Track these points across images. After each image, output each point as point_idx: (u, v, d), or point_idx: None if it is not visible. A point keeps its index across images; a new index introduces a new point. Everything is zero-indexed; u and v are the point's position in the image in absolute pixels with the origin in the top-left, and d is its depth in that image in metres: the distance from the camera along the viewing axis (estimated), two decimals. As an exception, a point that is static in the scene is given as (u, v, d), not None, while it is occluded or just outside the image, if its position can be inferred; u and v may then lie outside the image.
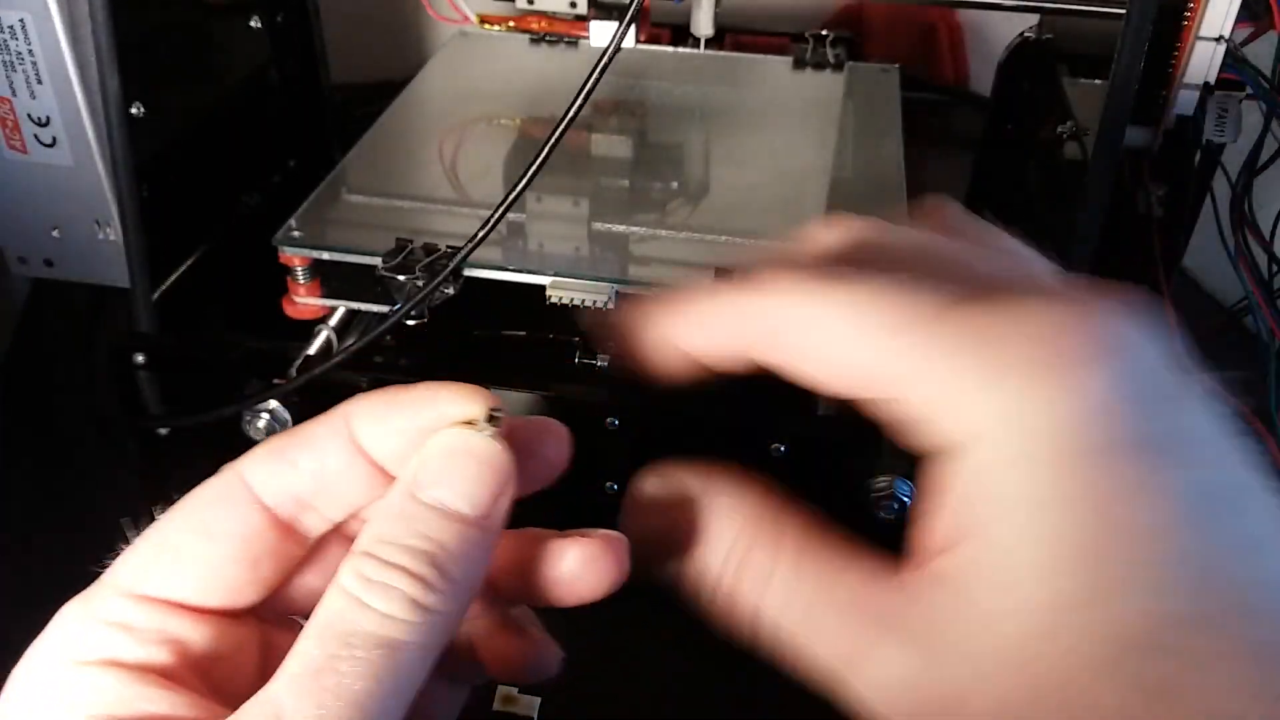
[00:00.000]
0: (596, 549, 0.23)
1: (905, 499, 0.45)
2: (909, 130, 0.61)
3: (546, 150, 0.37)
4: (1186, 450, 0.20)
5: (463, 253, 0.40)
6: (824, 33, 0.69)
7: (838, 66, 0.68)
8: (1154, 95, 0.44)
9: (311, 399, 0.48)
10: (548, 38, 0.67)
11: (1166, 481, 0.19)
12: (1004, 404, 0.20)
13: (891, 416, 0.22)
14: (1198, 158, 0.46)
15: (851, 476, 0.46)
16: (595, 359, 0.48)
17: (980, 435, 0.20)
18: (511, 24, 0.55)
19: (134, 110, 0.47)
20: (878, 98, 0.65)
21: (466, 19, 0.56)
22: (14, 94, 0.47)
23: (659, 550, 0.25)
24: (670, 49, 0.69)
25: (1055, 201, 0.53)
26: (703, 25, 0.54)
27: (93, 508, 0.50)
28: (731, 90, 0.67)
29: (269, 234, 0.49)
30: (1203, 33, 0.42)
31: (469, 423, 0.22)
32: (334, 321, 0.51)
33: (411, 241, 0.47)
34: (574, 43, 0.67)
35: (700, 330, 0.26)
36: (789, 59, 0.69)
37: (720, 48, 0.73)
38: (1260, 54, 0.43)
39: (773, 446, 0.45)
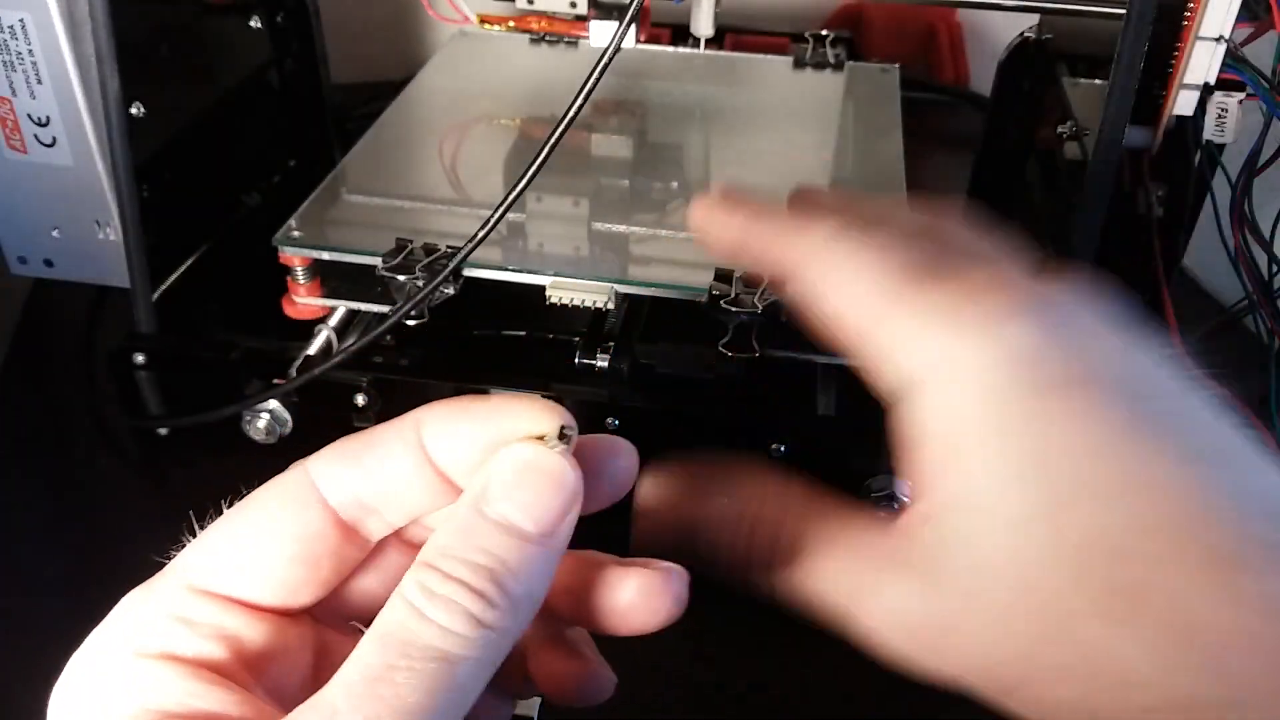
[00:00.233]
0: (656, 582, 0.23)
1: (905, 499, 0.45)
2: (909, 130, 0.61)
3: (546, 150, 0.37)
4: (1126, 386, 0.21)
5: (463, 253, 0.41)
6: (824, 33, 0.69)
7: (838, 66, 0.68)
8: (1154, 95, 0.44)
9: (311, 399, 0.48)
10: (548, 38, 0.67)
11: (1103, 410, 0.21)
12: (946, 346, 0.23)
13: (867, 362, 0.25)
14: (1198, 158, 0.46)
15: (851, 476, 0.46)
16: (595, 359, 0.48)
17: (926, 375, 0.23)
18: (511, 24, 0.55)
19: (134, 110, 0.47)
20: (878, 98, 0.65)
21: (466, 19, 0.56)
22: (14, 94, 0.47)
23: (677, 540, 0.25)
24: (670, 49, 0.69)
25: (1055, 201, 0.53)
26: (703, 25, 0.54)
27: (93, 508, 0.50)
28: (731, 90, 0.67)
29: (269, 234, 0.49)
30: (1203, 33, 0.42)
31: (540, 438, 0.22)
32: (334, 321, 0.51)
33: (411, 241, 0.47)
34: (574, 43, 0.67)
35: (744, 233, 0.29)
36: (789, 59, 0.69)
37: (720, 48, 0.73)
38: (1260, 54, 0.43)
39: (773, 446, 0.46)
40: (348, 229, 0.51)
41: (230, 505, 0.23)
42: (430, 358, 0.50)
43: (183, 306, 0.52)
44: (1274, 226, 0.44)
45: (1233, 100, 0.43)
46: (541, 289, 0.47)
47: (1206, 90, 0.43)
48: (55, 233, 0.51)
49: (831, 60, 0.68)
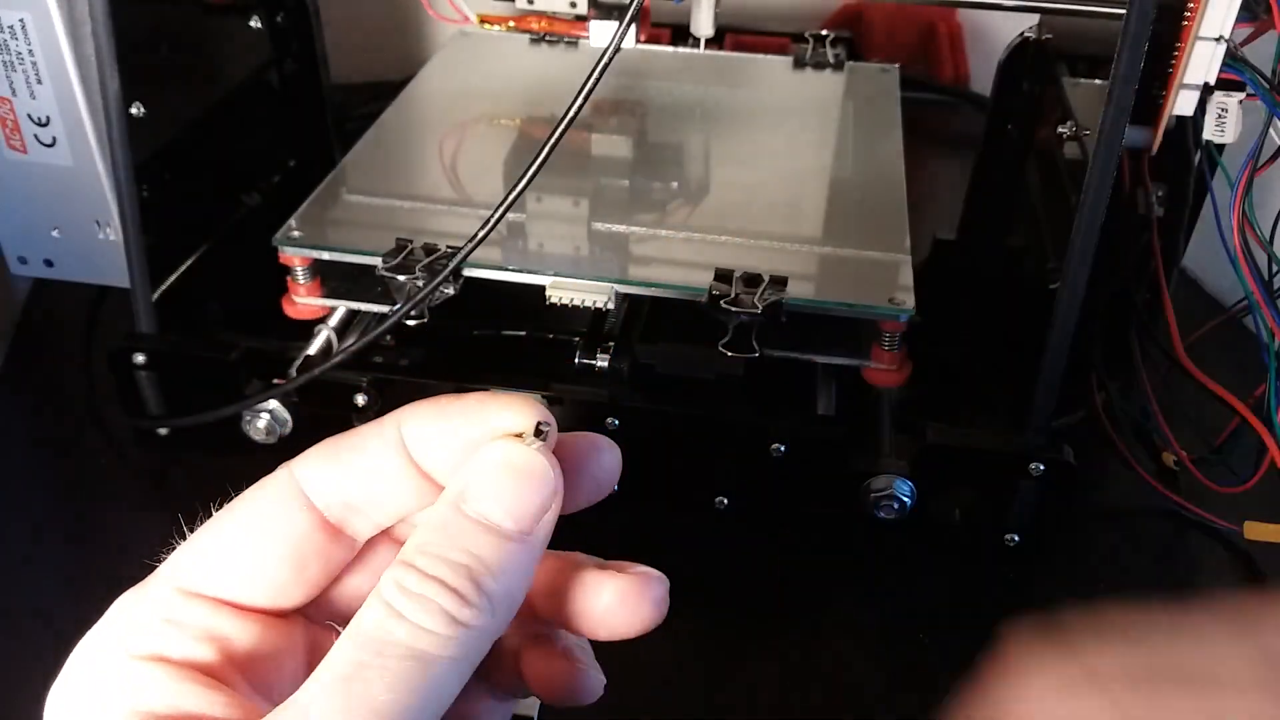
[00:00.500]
0: (634, 587, 0.23)
1: (905, 499, 0.45)
2: (909, 130, 0.61)
3: (546, 150, 0.37)
4: None
5: (463, 253, 0.40)
6: (824, 33, 0.69)
7: (838, 66, 0.68)
8: (1154, 95, 0.44)
9: (311, 399, 0.48)
10: (548, 38, 0.67)
11: None
12: None
13: None
14: (1198, 158, 0.46)
15: (851, 476, 0.46)
16: (595, 359, 0.48)
17: None
18: (511, 24, 0.55)
19: (134, 110, 0.47)
20: (878, 98, 0.65)
21: (466, 19, 0.56)
22: (14, 94, 0.47)
23: None
24: (670, 49, 0.69)
25: (1055, 201, 0.53)
26: (703, 25, 0.54)
27: (93, 508, 0.50)
28: (731, 90, 0.67)
29: (269, 234, 0.49)
30: (1203, 33, 0.41)
31: (519, 435, 0.21)
32: (334, 321, 0.51)
33: (411, 241, 0.47)
34: (574, 43, 0.67)
35: None
36: (789, 59, 0.69)
37: (720, 48, 0.73)
38: (1260, 54, 0.43)
39: (773, 446, 0.46)
40: (348, 229, 0.51)
41: (220, 507, 0.23)
42: (430, 358, 0.50)
43: (183, 306, 0.51)
44: (1274, 226, 0.44)
45: (1233, 100, 0.43)
46: (541, 289, 0.47)
47: (1206, 90, 0.43)
48: (55, 233, 0.51)
49: (831, 60, 0.68)
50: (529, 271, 0.47)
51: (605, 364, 0.48)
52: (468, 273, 0.47)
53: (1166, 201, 0.47)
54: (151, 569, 0.22)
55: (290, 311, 0.50)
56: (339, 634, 0.20)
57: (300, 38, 0.61)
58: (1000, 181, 0.61)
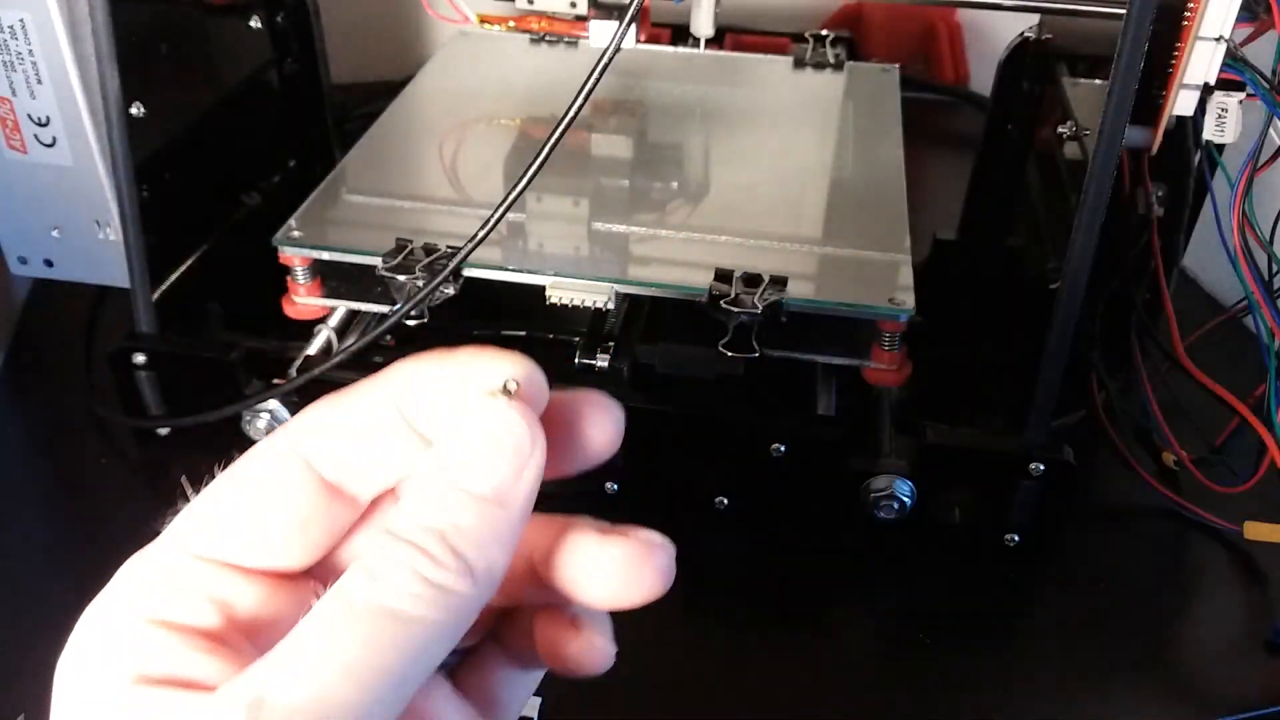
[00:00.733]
0: (636, 553, 0.22)
1: (905, 499, 0.45)
2: (909, 130, 0.61)
3: (546, 150, 0.37)
4: None
5: (463, 253, 0.40)
6: (824, 33, 0.69)
7: (838, 66, 0.68)
8: (1154, 95, 0.44)
9: (311, 399, 0.48)
10: (548, 38, 0.67)
11: None
12: None
13: None
14: (1198, 158, 0.46)
15: (851, 476, 0.46)
16: (595, 359, 0.48)
17: None
18: (511, 24, 0.55)
19: (134, 110, 0.47)
20: (878, 98, 0.65)
21: (466, 19, 0.56)
22: (14, 94, 0.47)
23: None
24: (670, 49, 0.69)
25: (1055, 201, 0.53)
26: (703, 25, 0.54)
27: (93, 508, 0.50)
28: (731, 90, 0.67)
29: (269, 234, 0.49)
30: (1203, 33, 0.41)
31: (495, 393, 0.21)
32: (334, 321, 0.51)
33: (411, 241, 0.47)
34: (574, 43, 0.67)
35: None
36: (789, 59, 0.69)
37: (720, 48, 0.73)
38: (1260, 54, 0.43)
39: (773, 446, 0.46)
40: (348, 229, 0.51)
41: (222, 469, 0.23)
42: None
43: (183, 306, 0.51)
44: (1274, 226, 0.44)
45: (1233, 100, 0.43)
46: (541, 289, 0.47)
47: (1206, 90, 0.43)
48: (55, 233, 0.51)
49: (831, 60, 0.68)
50: (529, 271, 0.47)
51: (605, 364, 0.48)
52: (468, 273, 0.47)
53: (1166, 201, 0.47)
54: (156, 535, 0.22)
55: (290, 311, 0.50)
56: None
57: (300, 38, 0.61)
58: (1000, 181, 0.61)
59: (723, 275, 0.46)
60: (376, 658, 0.19)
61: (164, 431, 0.51)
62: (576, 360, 0.48)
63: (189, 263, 0.53)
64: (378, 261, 0.46)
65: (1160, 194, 0.47)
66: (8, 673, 0.42)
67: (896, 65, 0.69)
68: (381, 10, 0.86)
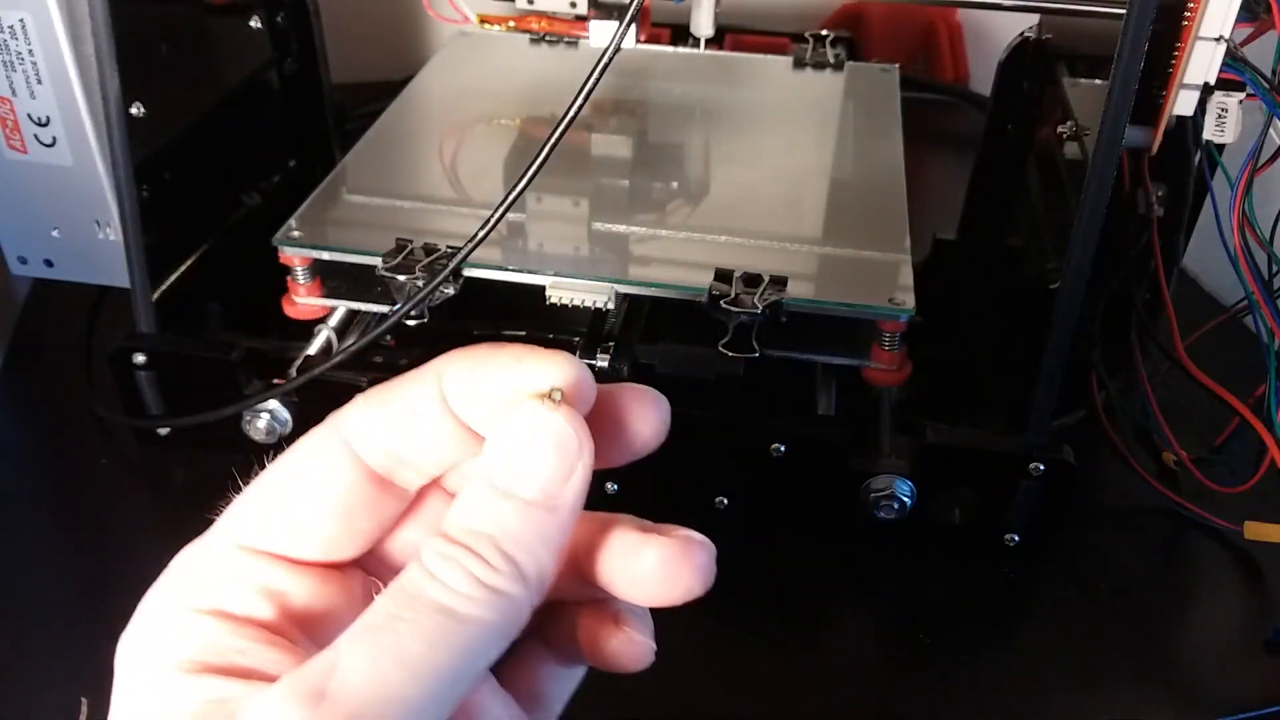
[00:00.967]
0: (675, 552, 0.22)
1: (905, 499, 0.45)
2: (909, 130, 0.61)
3: (546, 150, 0.37)
4: None
5: (463, 253, 0.40)
6: (824, 33, 0.69)
7: (838, 66, 0.68)
8: (1154, 95, 0.44)
9: (311, 399, 0.48)
10: (548, 38, 0.67)
11: None
12: None
13: None
14: (1198, 158, 0.46)
15: (851, 476, 0.46)
16: (595, 359, 0.48)
17: None
18: (511, 24, 0.55)
19: (134, 110, 0.47)
20: (878, 98, 0.65)
21: (466, 19, 0.56)
22: (14, 94, 0.47)
23: None
24: (670, 49, 0.69)
25: (1055, 201, 0.53)
26: (703, 25, 0.54)
27: (93, 508, 0.50)
28: (731, 90, 0.67)
29: (269, 234, 0.49)
30: (1203, 33, 0.41)
31: (545, 394, 0.21)
32: (334, 321, 0.51)
33: (411, 241, 0.47)
34: (574, 43, 0.67)
35: None
36: (789, 59, 0.69)
37: (720, 48, 0.73)
38: (1260, 54, 0.43)
39: (773, 446, 0.46)
40: (348, 229, 0.51)
41: (221, 509, 0.23)
42: (430, 358, 0.50)
43: (183, 306, 0.51)
44: (1274, 226, 0.44)
45: (1233, 100, 0.43)
46: (541, 289, 0.47)
47: (1206, 90, 0.43)
48: (55, 233, 0.51)
49: (831, 60, 0.68)
50: (529, 271, 0.47)
51: (605, 364, 0.48)
52: (468, 273, 0.47)
53: (1166, 201, 0.47)
54: (157, 567, 0.22)
55: (290, 311, 0.50)
56: None
57: (300, 38, 0.61)
58: (1000, 181, 0.61)
59: (723, 275, 0.46)
60: (434, 655, 0.19)
61: (164, 431, 0.51)
62: (576, 360, 0.48)
63: (189, 263, 0.53)
64: (378, 261, 0.46)
65: (1160, 194, 0.47)
66: (7, 673, 0.42)
67: (896, 65, 0.69)
68: (381, 10, 0.86)
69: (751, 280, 0.45)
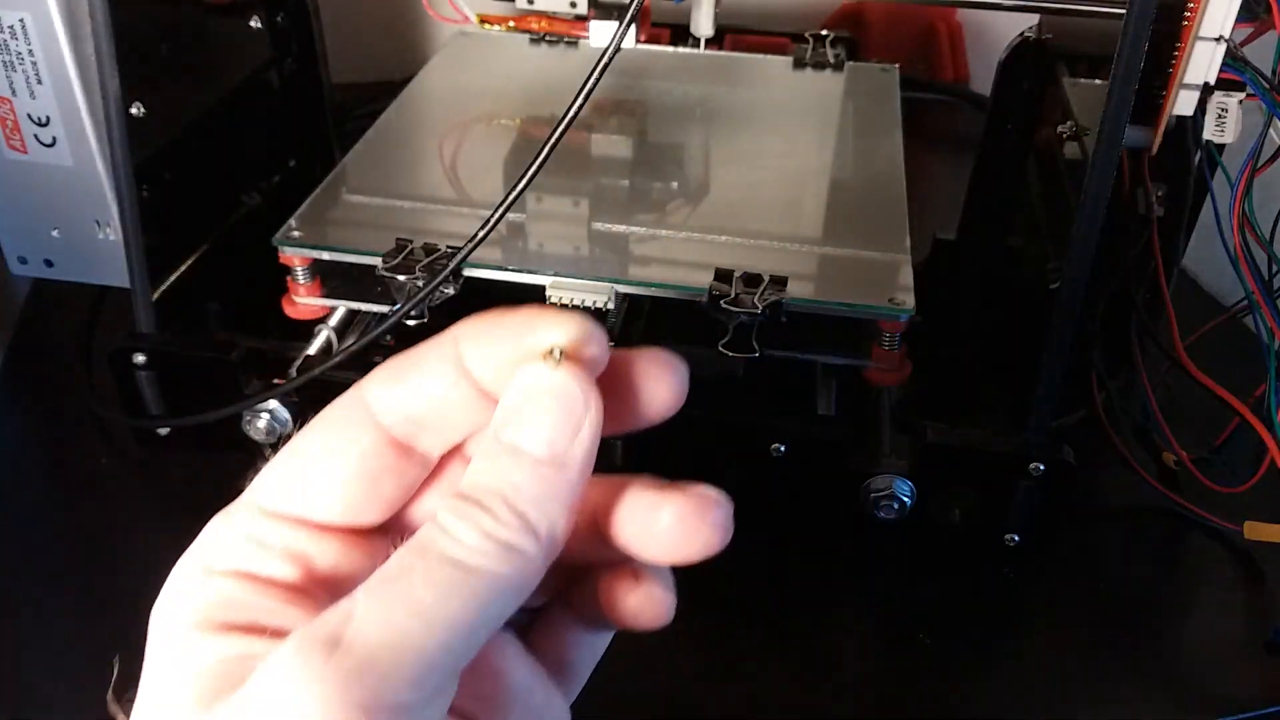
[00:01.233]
0: (692, 508, 0.22)
1: (905, 499, 0.45)
2: (909, 130, 0.61)
3: (546, 150, 0.37)
4: None
5: (463, 253, 0.40)
6: (824, 33, 0.69)
7: (838, 66, 0.68)
8: (1154, 95, 0.44)
9: (311, 399, 0.48)
10: (548, 38, 0.67)
11: None
12: None
13: None
14: (1198, 158, 0.46)
15: (851, 476, 0.46)
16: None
17: None
18: (511, 24, 0.55)
19: (134, 110, 0.47)
20: (878, 98, 0.65)
21: (466, 19, 0.56)
22: (14, 94, 0.47)
23: None
24: (670, 49, 0.69)
25: (1055, 201, 0.53)
26: (703, 25, 0.54)
27: (93, 508, 0.50)
28: (731, 90, 0.67)
29: (269, 234, 0.49)
30: (1203, 33, 0.41)
31: (546, 356, 0.21)
32: (334, 321, 0.51)
33: (411, 241, 0.47)
34: (574, 43, 0.67)
35: None
36: (789, 59, 0.69)
37: (720, 48, 0.73)
38: (1260, 54, 0.43)
39: (773, 446, 0.46)
40: (348, 229, 0.51)
41: (220, 508, 0.23)
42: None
43: (183, 306, 0.51)
44: (1274, 226, 0.44)
45: (1233, 100, 0.43)
46: (541, 289, 0.47)
47: (1206, 90, 0.43)
48: (55, 233, 0.51)
49: (831, 60, 0.68)
50: (529, 271, 0.47)
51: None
52: (468, 273, 0.47)
53: (1166, 201, 0.47)
54: (157, 568, 0.23)
55: (290, 311, 0.50)
56: None
57: (300, 38, 0.61)
58: (1000, 181, 0.61)
59: (723, 275, 0.46)
60: (447, 607, 0.19)
61: (164, 431, 0.51)
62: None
63: (189, 263, 0.53)
64: (378, 261, 0.46)
65: (1160, 194, 0.47)
66: (8, 671, 0.42)
67: (896, 65, 0.69)
68: (381, 10, 0.86)
69: (751, 280, 0.45)
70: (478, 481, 0.21)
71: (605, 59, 0.36)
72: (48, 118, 0.48)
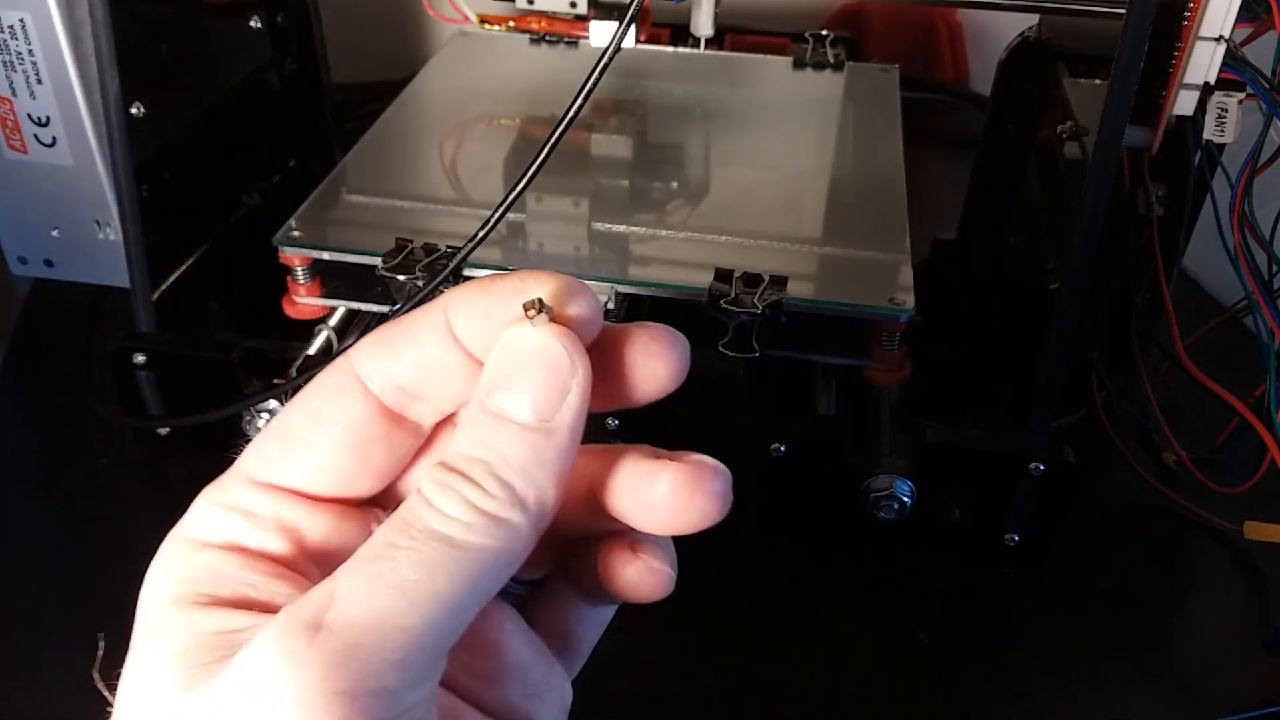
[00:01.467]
0: (688, 477, 0.22)
1: (905, 499, 0.45)
2: (909, 130, 0.61)
3: (546, 150, 0.37)
4: None
5: (463, 253, 0.40)
6: (824, 33, 0.69)
7: (838, 66, 0.68)
8: (1154, 95, 0.44)
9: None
10: (548, 38, 0.67)
11: None
12: None
13: None
14: (1198, 158, 0.46)
15: (851, 476, 0.46)
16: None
17: None
18: (511, 24, 0.55)
19: (134, 110, 0.47)
20: (878, 98, 0.65)
21: (466, 19, 0.56)
22: (14, 94, 0.47)
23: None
24: (670, 49, 0.69)
25: (1055, 201, 0.53)
26: (703, 25, 0.54)
27: (93, 508, 0.50)
28: (731, 90, 0.67)
29: (269, 234, 0.49)
30: (1203, 33, 0.42)
31: (528, 316, 0.20)
32: (334, 321, 0.51)
33: (411, 241, 0.47)
34: (574, 43, 0.67)
35: None
36: (789, 59, 0.69)
37: (720, 48, 0.73)
38: (1260, 54, 0.43)
39: (773, 446, 0.46)
40: (348, 229, 0.51)
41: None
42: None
43: (183, 306, 0.51)
44: (1274, 226, 0.44)
45: (1233, 100, 0.43)
46: (541, 289, 0.47)
47: (1206, 90, 0.43)
48: (55, 233, 0.51)
49: (831, 60, 0.68)
50: (529, 271, 0.47)
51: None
52: (468, 273, 0.47)
53: (1166, 201, 0.47)
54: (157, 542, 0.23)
55: (290, 311, 0.50)
56: None
57: (300, 38, 0.61)
58: (1000, 181, 0.61)
59: (723, 275, 0.46)
60: (432, 583, 0.19)
61: (164, 431, 0.51)
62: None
63: (189, 263, 0.53)
64: (378, 261, 0.46)
65: (1160, 194, 0.47)
66: (7, 670, 0.42)
67: (896, 65, 0.69)
68: (381, 10, 0.86)
69: (751, 280, 0.45)
70: (462, 450, 0.20)
71: (605, 59, 0.36)
72: (48, 118, 0.48)
